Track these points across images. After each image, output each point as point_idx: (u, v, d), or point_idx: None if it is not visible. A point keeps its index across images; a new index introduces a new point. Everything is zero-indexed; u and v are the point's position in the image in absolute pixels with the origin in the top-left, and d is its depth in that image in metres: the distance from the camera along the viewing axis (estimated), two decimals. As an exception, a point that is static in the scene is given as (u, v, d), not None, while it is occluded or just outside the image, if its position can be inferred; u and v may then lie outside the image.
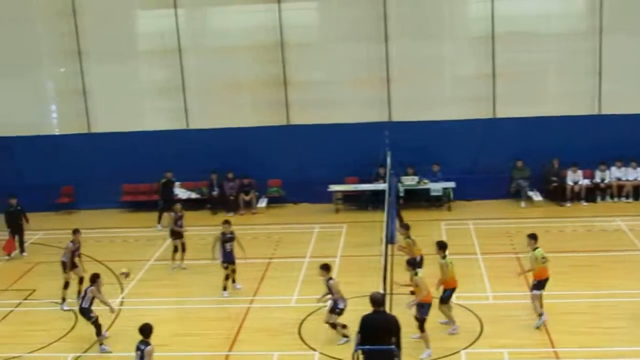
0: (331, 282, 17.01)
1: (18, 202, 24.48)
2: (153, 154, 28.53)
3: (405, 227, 19.69)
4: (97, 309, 17.38)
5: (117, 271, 20.60)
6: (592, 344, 16.39)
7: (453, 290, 17.32)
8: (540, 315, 17.12)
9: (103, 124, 29.23)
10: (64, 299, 19.86)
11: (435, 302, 16.85)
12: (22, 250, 24.44)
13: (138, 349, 13.78)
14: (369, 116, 28.12)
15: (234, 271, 20.38)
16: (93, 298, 17.20)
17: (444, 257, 17.15)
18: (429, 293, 16.17)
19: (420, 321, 16.12)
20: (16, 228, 24.34)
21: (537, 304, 17.16)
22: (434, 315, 16.87)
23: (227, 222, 20.53)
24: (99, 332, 17.31)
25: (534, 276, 17.25)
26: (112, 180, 28.87)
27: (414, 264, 16.74)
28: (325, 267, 17.10)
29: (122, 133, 28.94)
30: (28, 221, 24.44)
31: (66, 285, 19.93)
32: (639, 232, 23.99)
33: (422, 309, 16.11)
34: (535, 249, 17.22)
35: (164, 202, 26.78)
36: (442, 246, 17.41)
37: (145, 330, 13.96)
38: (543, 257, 17.09)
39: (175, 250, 22.35)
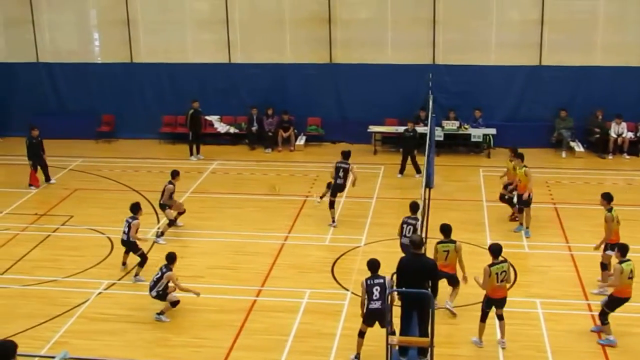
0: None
1: (39, 134, 23.94)
2: (194, 86, 28.53)
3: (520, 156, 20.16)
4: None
5: (155, 202, 20.69)
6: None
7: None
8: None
9: (146, 54, 29.20)
10: (162, 233, 19.85)
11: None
12: (47, 179, 24.27)
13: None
14: (412, 58, 27.74)
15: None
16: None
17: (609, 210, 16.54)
18: (626, 286, 13.57)
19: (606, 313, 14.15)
20: (37, 160, 23.86)
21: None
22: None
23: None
24: (142, 264, 17.51)
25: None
26: (152, 111, 29.03)
27: (623, 249, 14.29)
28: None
29: (164, 64, 28.92)
30: (44, 152, 23.98)
31: (170, 223, 19.96)
32: (681, 188, 23.67)
33: (613, 303, 13.86)
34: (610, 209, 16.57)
35: (193, 134, 26.91)
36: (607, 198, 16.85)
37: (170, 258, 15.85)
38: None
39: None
